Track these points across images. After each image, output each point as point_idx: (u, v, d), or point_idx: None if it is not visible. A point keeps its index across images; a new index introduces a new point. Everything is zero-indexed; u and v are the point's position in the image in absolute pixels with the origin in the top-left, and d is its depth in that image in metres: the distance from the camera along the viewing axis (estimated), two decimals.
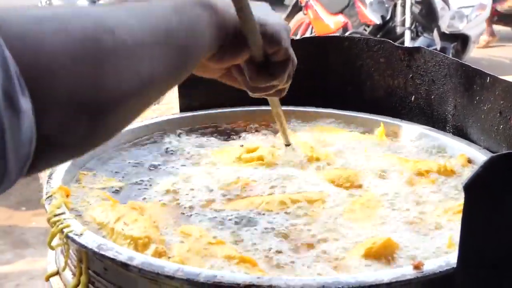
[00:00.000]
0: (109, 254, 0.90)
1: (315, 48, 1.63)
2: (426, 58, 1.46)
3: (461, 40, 6.34)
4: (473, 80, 1.32)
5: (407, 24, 6.04)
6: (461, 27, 6.21)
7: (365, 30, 6.38)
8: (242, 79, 0.99)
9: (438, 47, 5.95)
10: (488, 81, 1.28)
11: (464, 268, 0.84)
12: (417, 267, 0.87)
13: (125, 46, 0.62)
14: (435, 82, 1.45)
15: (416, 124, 1.48)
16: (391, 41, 1.53)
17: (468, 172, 1.24)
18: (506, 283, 0.87)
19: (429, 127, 1.45)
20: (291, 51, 0.96)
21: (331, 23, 6.56)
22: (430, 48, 1.66)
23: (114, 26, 0.61)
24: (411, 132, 1.45)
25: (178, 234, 1.04)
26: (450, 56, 1.35)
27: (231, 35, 0.86)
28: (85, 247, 0.93)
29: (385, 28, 6.31)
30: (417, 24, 6.23)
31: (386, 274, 0.87)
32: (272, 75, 0.96)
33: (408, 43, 5.83)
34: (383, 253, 0.97)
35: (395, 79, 1.55)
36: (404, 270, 0.87)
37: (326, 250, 1.00)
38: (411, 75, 1.51)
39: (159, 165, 1.32)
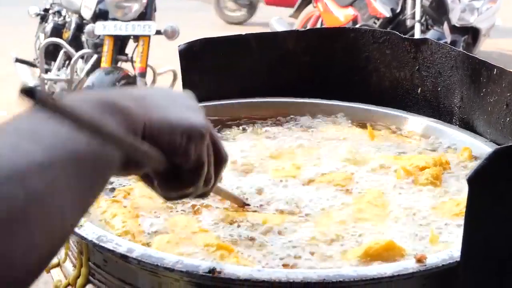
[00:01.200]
0: (109, 246, 0.90)
1: (321, 40, 1.62)
2: (433, 50, 1.45)
3: (472, 33, 6.29)
4: (480, 72, 1.31)
5: (417, 17, 6.00)
6: (472, 20, 6.16)
7: (375, 23, 6.34)
8: (153, 187, 0.83)
9: (449, 40, 5.91)
10: (494, 73, 1.26)
11: (467, 262, 0.83)
12: (420, 260, 0.86)
13: (37, 197, 0.53)
14: (441, 74, 1.44)
15: (422, 117, 1.46)
16: (397, 33, 1.52)
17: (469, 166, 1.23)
18: (510, 277, 0.86)
19: (435, 120, 1.44)
20: (204, 151, 0.80)
21: (341, 16, 6.53)
22: (440, 42, 1.64)
23: (24, 171, 0.52)
24: (417, 125, 1.44)
25: (164, 221, 1.05)
26: (461, 49, 1.35)
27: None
28: (85, 239, 0.92)
29: (395, 21, 6.27)
30: (427, 17, 6.19)
31: (389, 267, 0.86)
32: (184, 185, 0.81)
33: (418, 36, 5.79)
34: (383, 255, 0.94)
35: (401, 71, 1.53)
36: (406, 264, 0.86)
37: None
38: (417, 67, 1.49)
39: None
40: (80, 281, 0.98)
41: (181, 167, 0.78)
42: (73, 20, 5.57)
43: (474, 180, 0.80)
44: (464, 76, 1.36)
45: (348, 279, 0.83)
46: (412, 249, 0.96)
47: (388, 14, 6.23)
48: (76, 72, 5.03)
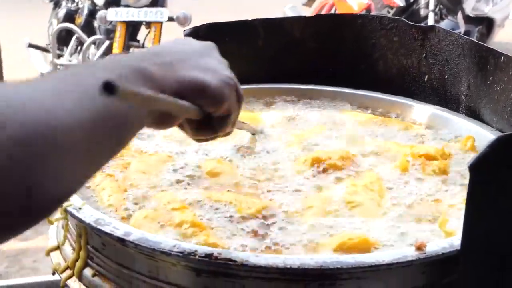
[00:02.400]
0: (106, 229, 0.89)
1: (328, 26, 1.60)
2: (440, 37, 1.43)
3: (486, 24, 6.25)
4: (487, 59, 1.29)
5: (431, 6, 5.98)
6: (487, 10, 6.12)
7: (389, 12, 6.32)
8: (185, 131, 0.92)
9: (462, 30, 5.88)
10: (502, 60, 1.24)
11: (468, 251, 0.82)
12: (419, 248, 0.85)
13: (64, 141, 0.59)
14: (448, 62, 1.42)
15: (429, 105, 1.45)
16: (405, 20, 1.50)
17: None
18: (511, 273, 0.85)
19: (442, 108, 1.43)
20: (234, 101, 0.88)
21: (355, 4, 6.50)
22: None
23: (52, 118, 0.58)
24: (423, 113, 1.42)
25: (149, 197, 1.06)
26: (475, 40, 1.31)
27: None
28: (83, 222, 0.92)
29: (409, 11, 6.25)
30: (441, 6, 6.16)
31: (387, 255, 0.85)
32: (214, 130, 0.90)
33: None
34: (356, 249, 0.92)
35: (409, 59, 1.52)
36: (405, 251, 0.85)
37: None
38: (424, 55, 1.48)
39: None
40: (78, 264, 0.98)
41: (213, 114, 0.85)
42: (85, 6, 5.59)
43: (476, 168, 0.79)
44: (471, 64, 1.35)
45: (346, 266, 0.82)
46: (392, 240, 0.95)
47: (402, 3, 6.21)
48: (88, 57, 5.05)
